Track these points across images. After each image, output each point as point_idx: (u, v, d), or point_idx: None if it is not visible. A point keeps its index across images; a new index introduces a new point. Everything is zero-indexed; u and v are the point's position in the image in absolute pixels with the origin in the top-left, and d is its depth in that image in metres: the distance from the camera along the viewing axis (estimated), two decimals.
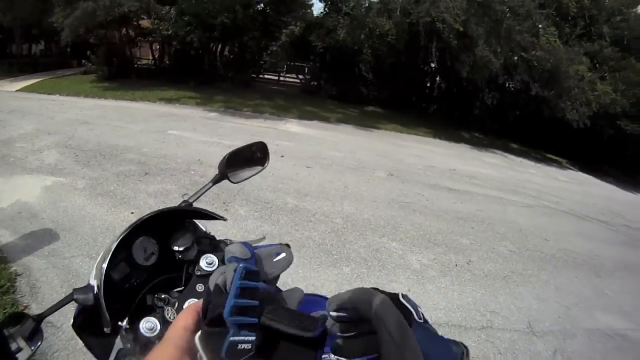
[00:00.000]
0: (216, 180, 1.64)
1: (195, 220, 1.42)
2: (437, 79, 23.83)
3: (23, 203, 5.68)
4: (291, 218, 5.95)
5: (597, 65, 20.51)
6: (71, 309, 1.20)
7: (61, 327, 3.24)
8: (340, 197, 7.05)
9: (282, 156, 9.07)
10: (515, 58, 18.52)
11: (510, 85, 20.63)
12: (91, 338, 1.19)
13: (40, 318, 1.15)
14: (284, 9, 21.28)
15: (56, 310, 1.18)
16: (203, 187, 1.62)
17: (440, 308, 4.11)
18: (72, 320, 1.20)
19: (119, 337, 1.10)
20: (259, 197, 6.58)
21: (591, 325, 4.44)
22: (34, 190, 6.16)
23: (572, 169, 18.30)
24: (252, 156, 1.78)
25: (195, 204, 1.51)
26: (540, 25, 17.94)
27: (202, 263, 1.16)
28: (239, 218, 5.75)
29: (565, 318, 4.37)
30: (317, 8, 49.41)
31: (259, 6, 21.57)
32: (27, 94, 18.76)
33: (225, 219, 1.42)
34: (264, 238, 1.48)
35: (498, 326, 3.94)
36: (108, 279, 1.16)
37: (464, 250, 5.61)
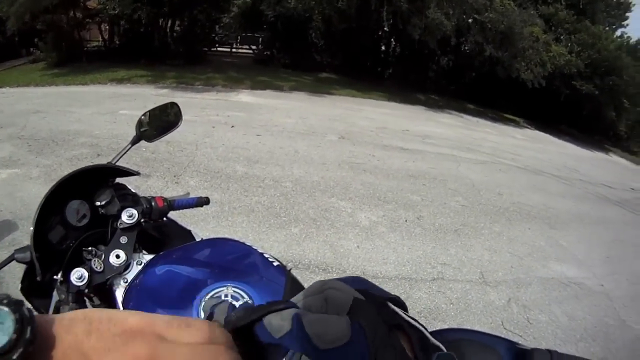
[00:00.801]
0: (134, 141, 1.72)
1: (123, 182, 1.53)
2: (392, 43, 23.69)
3: None
4: (241, 185, 5.92)
5: (553, 27, 20.93)
6: None
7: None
8: (290, 162, 6.98)
9: (232, 126, 8.97)
10: (470, 20, 18.55)
11: (465, 47, 20.65)
12: (37, 300, 1.29)
13: None
14: None
15: None
16: (123, 149, 1.69)
17: (390, 262, 4.06)
18: (20, 285, 1.30)
19: (55, 290, 1.18)
20: (209, 167, 6.55)
21: (546, 275, 4.42)
22: None
23: (529, 128, 18.61)
24: (166, 117, 1.89)
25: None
26: None
27: (124, 216, 1.28)
28: (190, 188, 5.72)
29: (519, 268, 4.34)
30: None
31: None
32: None
33: (138, 173, 1.50)
34: (188, 194, 1.61)
35: (449, 277, 3.89)
36: (47, 242, 1.27)
37: (414, 206, 5.56)
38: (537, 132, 18.37)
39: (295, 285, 1.08)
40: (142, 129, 1.73)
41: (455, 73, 21.63)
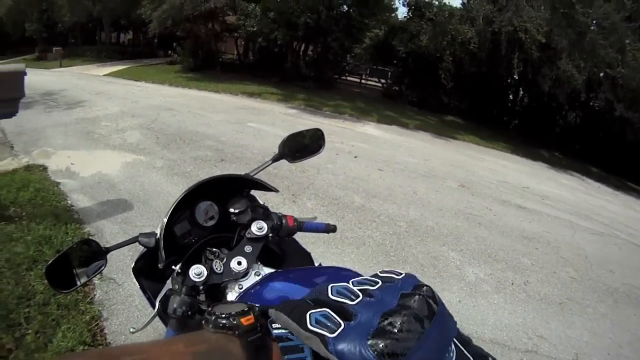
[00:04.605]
0: (275, 159, 1.81)
1: (252, 194, 1.64)
2: (520, 92, 23.21)
3: (103, 175, 6.28)
4: (356, 216, 6.10)
5: None
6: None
7: (122, 285, 3.61)
8: (407, 202, 7.11)
9: (355, 157, 9.25)
10: (601, 74, 17.53)
11: (595, 104, 19.63)
12: (146, 281, 1.41)
13: (107, 250, 1.38)
14: (367, 12, 21.50)
15: (121, 247, 1.42)
16: (263, 164, 1.79)
17: (488, 324, 4.06)
18: (132, 265, 1.43)
19: (170, 278, 1.26)
20: (327, 192, 6.81)
21: None
22: (114, 164, 6.78)
23: None
24: (309, 141, 1.94)
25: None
26: (627, 41, 16.60)
27: (253, 227, 1.33)
28: (306, 210, 5.99)
29: (615, 357, 4.11)
30: (401, 12, 49.36)
31: (342, 8, 21.86)
32: (113, 78, 20.22)
33: (277, 190, 1.60)
34: (315, 218, 1.64)
35: (543, 353, 3.83)
36: (171, 233, 1.39)
37: (523, 270, 5.50)
38: None
39: None
40: (285, 149, 1.79)
41: (582, 131, 20.51)
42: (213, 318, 0.69)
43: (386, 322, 0.60)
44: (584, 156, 19.62)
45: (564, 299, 5.01)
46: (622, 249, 7.57)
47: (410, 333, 0.59)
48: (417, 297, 0.66)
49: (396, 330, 0.59)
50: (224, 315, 0.69)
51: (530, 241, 6.64)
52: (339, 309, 0.65)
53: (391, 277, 0.74)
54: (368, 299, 0.68)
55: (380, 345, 0.56)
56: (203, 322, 0.70)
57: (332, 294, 0.70)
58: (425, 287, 0.70)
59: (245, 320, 0.69)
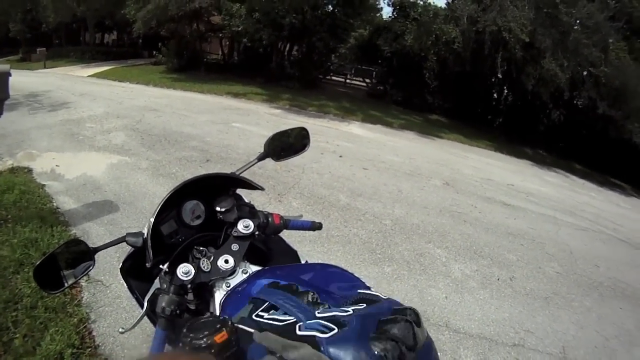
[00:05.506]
0: (260, 158, 1.83)
1: (238, 192, 1.63)
2: (504, 91, 23.34)
3: (88, 176, 6.18)
4: (341, 215, 6.08)
5: None
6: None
7: (110, 287, 3.57)
8: (392, 200, 7.10)
9: (340, 156, 9.22)
10: (584, 73, 17.69)
11: (578, 102, 19.68)
12: (134, 281, 1.41)
13: (94, 250, 1.35)
14: (352, 11, 21.42)
15: (109, 247, 1.39)
16: (248, 163, 1.81)
17: (475, 319, 4.05)
18: (120, 265, 1.42)
19: (158, 277, 1.29)
20: (313, 192, 6.80)
21: None
22: (99, 166, 6.68)
23: (636, 197, 17.02)
24: (294, 140, 1.96)
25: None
26: (610, 40, 16.92)
27: (240, 226, 1.35)
28: (291, 209, 5.96)
29: (602, 349, 4.12)
30: (386, 12, 49.21)
31: (327, 8, 21.79)
32: (98, 79, 20.10)
33: (263, 189, 1.62)
34: (301, 216, 1.70)
35: (530, 346, 3.83)
36: (158, 232, 1.40)
37: (509, 265, 5.50)
38: None
39: None
40: (270, 148, 1.82)
41: (566, 129, 20.60)
42: (188, 340, 0.74)
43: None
44: (568, 153, 19.82)
45: (550, 293, 5.01)
46: (606, 244, 7.65)
47: None
48: (400, 323, 0.73)
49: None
50: (199, 337, 0.75)
51: (516, 237, 6.66)
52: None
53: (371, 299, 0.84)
54: (341, 330, 0.72)
55: None
56: (180, 343, 0.76)
57: (300, 331, 0.75)
58: (408, 310, 0.77)
59: (219, 338, 0.76)
